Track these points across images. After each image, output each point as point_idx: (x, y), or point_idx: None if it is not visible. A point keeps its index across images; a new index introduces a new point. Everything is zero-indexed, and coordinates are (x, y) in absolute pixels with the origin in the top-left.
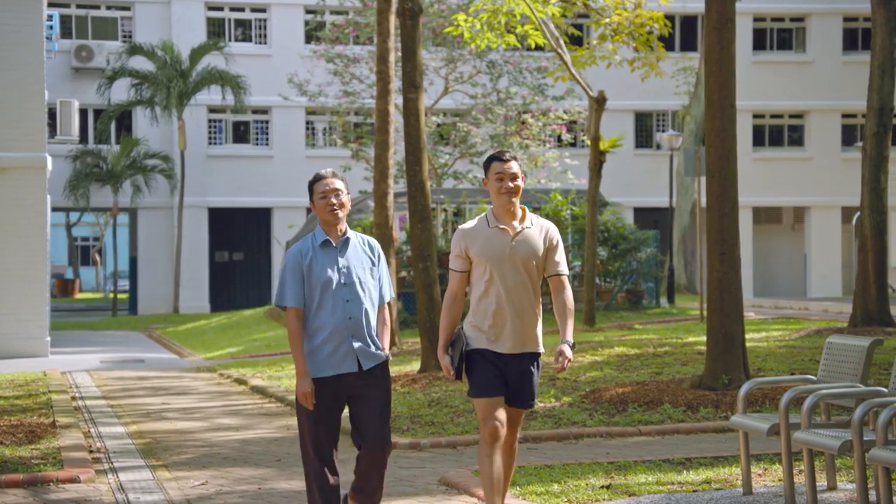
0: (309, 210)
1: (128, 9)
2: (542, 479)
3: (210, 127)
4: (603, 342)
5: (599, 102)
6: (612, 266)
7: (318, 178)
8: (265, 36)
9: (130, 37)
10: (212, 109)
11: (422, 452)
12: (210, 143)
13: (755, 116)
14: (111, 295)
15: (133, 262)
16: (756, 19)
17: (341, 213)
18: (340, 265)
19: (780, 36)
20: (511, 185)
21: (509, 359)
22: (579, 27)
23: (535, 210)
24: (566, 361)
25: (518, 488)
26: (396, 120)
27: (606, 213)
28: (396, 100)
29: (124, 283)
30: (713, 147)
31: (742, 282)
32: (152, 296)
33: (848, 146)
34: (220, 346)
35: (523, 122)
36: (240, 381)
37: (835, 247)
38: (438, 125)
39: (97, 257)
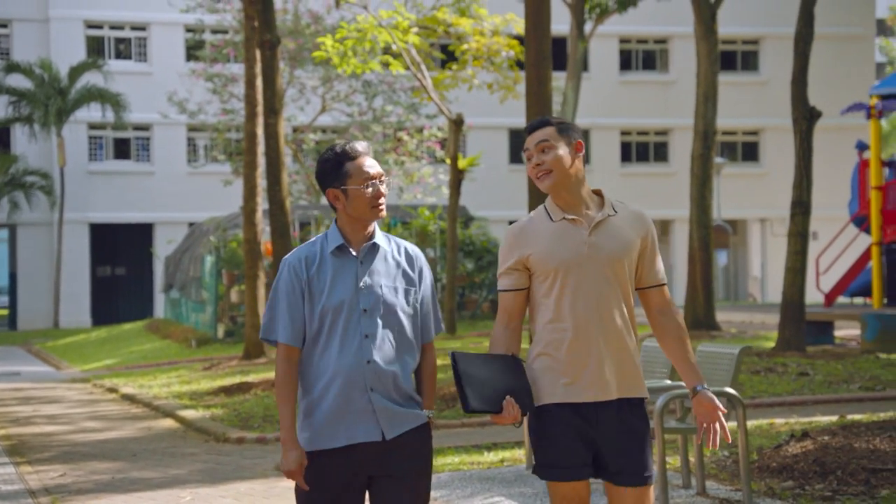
0: (191, 224)
1: (5, 26)
2: None
3: (91, 143)
4: (459, 348)
5: (458, 124)
6: (477, 278)
7: (353, 155)
8: (145, 54)
9: (8, 54)
10: (92, 126)
11: (267, 446)
12: (91, 160)
13: (623, 133)
14: None
15: (12, 277)
16: (622, 41)
17: (384, 211)
18: (361, 283)
19: (644, 56)
20: (538, 159)
21: (597, 411)
22: (445, 49)
23: (404, 225)
24: (720, 415)
25: None
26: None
27: (472, 228)
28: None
29: (3, 300)
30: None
31: None
32: (32, 311)
33: None
34: (98, 358)
35: (399, 140)
36: (111, 390)
37: None
38: (317, 142)
39: None
